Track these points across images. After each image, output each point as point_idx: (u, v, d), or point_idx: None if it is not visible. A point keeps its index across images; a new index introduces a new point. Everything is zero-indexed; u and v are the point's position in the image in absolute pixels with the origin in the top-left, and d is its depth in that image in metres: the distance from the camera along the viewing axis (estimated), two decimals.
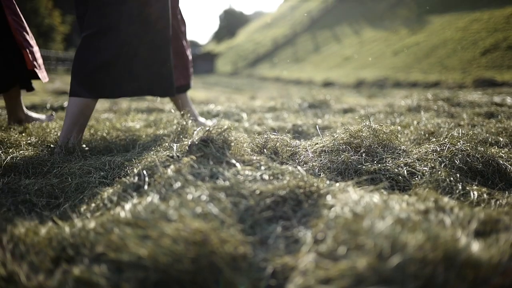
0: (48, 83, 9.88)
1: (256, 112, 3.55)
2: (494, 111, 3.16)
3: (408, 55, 17.36)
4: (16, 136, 2.20)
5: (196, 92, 8.46)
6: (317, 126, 2.61)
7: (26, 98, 5.58)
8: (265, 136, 1.69)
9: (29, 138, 2.19)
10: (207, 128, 1.47)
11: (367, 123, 1.84)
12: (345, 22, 33.61)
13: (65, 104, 4.28)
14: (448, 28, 18.60)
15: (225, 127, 1.47)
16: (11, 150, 1.92)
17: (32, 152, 1.93)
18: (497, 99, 4.29)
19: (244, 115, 3.23)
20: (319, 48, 30.25)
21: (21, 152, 1.90)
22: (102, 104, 4.69)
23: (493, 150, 1.80)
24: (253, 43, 45.84)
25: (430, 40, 18.15)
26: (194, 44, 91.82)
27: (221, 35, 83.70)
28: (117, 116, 3.29)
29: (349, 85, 13.57)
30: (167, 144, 1.95)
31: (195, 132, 1.51)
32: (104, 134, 2.33)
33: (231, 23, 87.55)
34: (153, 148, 1.94)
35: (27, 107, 4.09)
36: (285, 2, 66.67)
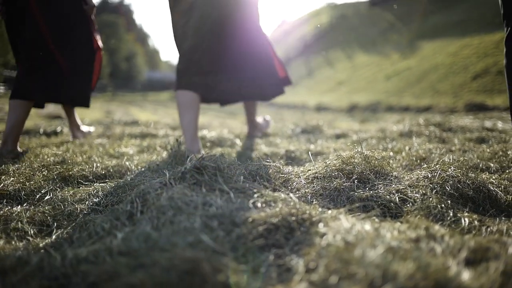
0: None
1: (249, 138, 3.57)
2: (485, 136, 3.20)
3: (400, 79, 17.54)
4: (7, 162, 2.20)
5: None
6: (309, 152, 2.62)
7: None
8: (258, 163, 1.70)
9: (21, 164, 2.19)
10: (200, 155, 1.48)
11: (359, 150, 1.86)
12: (338, 47, 33.99)
13: (58, 129, 4.28)
14: (439, 53, 18.84)
15: (218, 154, 1.48)
16: (3, 177, 1.91)
17: (24, 179, 1.93)
18: (488, 123, 4.33)
19: (237, 141, 3.25)
20: (312, 73, 30.53)
21: (12, 178, 1.90)
22: (96, 129, 4.69)
23: (484, 176, 1.82)
24: None
25: (421, 65, 18.36)
26: None
27: None
28: (111, 142, 3.30)
29: (342, 109, 13.67)
30: (160, 170, 1.95)
31: (188, 159, 1.52)
32: (98, 160, 2.34)
33: None
34: (146, 174, 1.95)
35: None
36: (278, 28, 67.46)
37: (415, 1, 35.34)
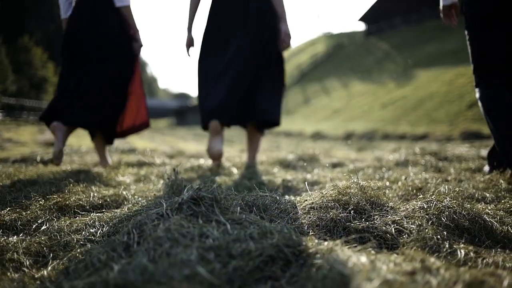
0: (38, 134, 9.91)
1: (246, 166, 3.58)
2: (481, 165, 3.22)
3: (396, 108, 17.71)
4: (4, 191, 2.20)
5: (188, 145, 8.51)
6: (306, 182, 2.63)
7: (15, 149, 5.59)
8: (255, 193, 1.71)
9: (18, 193, 2.19)
10: (197, 186, 1.49)
11: (355, 180, 1.87)
12: (334, 76, 34.36)
13: None
14: (434, 82, 19.06)
15: (215, 185, 1.49)
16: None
17: (20, 208, 1.93)
18: (483, 152, 4.36)
19: (234, 170, 3.26)
20: (309, 101, 30.76)
21: (9, 208, 1.90)
22: (92, 157, 4.70)
23: (479, 206, 1.83)
24: None
25: (417, 93, 18.57)
26: (185, 96, 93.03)
27: None
28: (108, 170, 3.31)
29: (338, 137, 13.74)
30: (157, 200, 1.96)
31: (186, 189, 1.53)
32: (95, 189, 2.34)
33: None
34: (143, 204, 1.95)
35: (15, 159, 4.09)
36: None
37: (409, 32, 35.94)
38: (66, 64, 3.65)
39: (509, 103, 2.56)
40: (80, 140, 8.59)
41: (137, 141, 10.28)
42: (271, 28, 3.52)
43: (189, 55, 3.83)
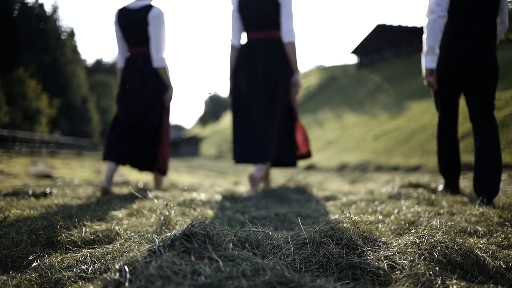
0: (31, 166, 9.86)
1: (239, 200, 3.58)
2: (473, 198, 3.23)
3: (389, 139, 17.81)
4: None
5: (181, 176, 8.49)
6: (298, 218, 2.63)
7: (7, 182, 5.55)
8: (247, 229, 1.71)
9: (9, 228, 2.17)
10: (190, 222, 1.49)
11: (348, 215, 1.88)
12: (327, 107, 34.69)
13: (48, 190, 4.26)
14: (426, 114, 19.24)
15: (208, 221, 1.49)
16: None
17: (11, 244, 1.91)
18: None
19: (227, 204, 3.26)
20: None
21: None
22: (85, 190, 4.68)
23: (471, 240, 1.83)
24: None
25: (409, 125, 18.71)
26: (179, 128, 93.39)
27: (206, 119, 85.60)
28: (100, 204, 3.29)
29: (332, 169, 13.76)
30: (149, 235, 1.95)
31: (178, 226, 1.53)
32: (87, 224, 2.33)
33: (216, 107, 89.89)
34: (135, 240, 1.94)
35: (7, 192, 4.06)
36: None
37: (400, 64, 36.51)
38: (118, 108, 4.50)
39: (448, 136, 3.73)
40: (72, 173, 8.55)
41: (130, 173, 10.25)
42: (286, 77, 4.27)
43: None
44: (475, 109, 3.36)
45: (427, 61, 3.30)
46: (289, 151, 4.43)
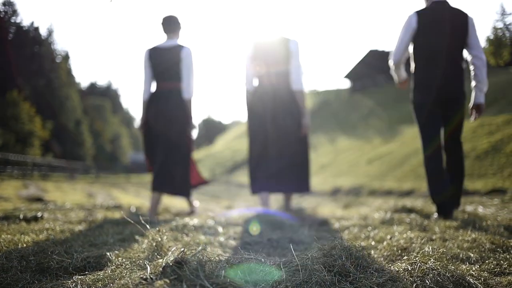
0: (22, 189, 9.78)
1: (232, 225, 3.57)
2: (466, 222, 3.24)
3: (382, 163, 17.85)
4: None
5: (173, 200, 8.45)
6: (291, 244, 2.62)
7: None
8: (240, 256, 1.70)
9: None
10: (182, 249, 1.48)
11: (340, 241, 1.88)
12: (321, 131, 34.80)
13: (39, 214, 4.22)
14: (418, 138, 19.33)
15: (200, 248, 1.49)
16: None
17: (0, 270, 1.89)
18: (469, 208, 4.41)
19: (220, 229, 3.24)
20: None
21: None
22: (77, 214, 4.64)
23: (464, 267, 1.84)
24: (231, 150, 46.67)
25: (402, 149, 18.78)
26: None
27: (199, 143, 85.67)
28: (92, 229, 3.26)
29: (326, 193, 13.75)
30: (141, 262, 1.93)
31: (170, 252, 1.52)
32: (78, 249, 2.31)
33: (209, 131, 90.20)
34: (127, 266, 1.92)
35: None
36: None
37: (392, 89, 36.82)
38: (145, 139, 5.01)
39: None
40: (64, 196, 8.50)
41: (122, 196, 10.19)
42: (296, 119, 5.03)
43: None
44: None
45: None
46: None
